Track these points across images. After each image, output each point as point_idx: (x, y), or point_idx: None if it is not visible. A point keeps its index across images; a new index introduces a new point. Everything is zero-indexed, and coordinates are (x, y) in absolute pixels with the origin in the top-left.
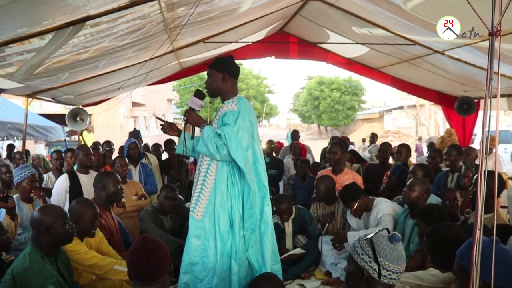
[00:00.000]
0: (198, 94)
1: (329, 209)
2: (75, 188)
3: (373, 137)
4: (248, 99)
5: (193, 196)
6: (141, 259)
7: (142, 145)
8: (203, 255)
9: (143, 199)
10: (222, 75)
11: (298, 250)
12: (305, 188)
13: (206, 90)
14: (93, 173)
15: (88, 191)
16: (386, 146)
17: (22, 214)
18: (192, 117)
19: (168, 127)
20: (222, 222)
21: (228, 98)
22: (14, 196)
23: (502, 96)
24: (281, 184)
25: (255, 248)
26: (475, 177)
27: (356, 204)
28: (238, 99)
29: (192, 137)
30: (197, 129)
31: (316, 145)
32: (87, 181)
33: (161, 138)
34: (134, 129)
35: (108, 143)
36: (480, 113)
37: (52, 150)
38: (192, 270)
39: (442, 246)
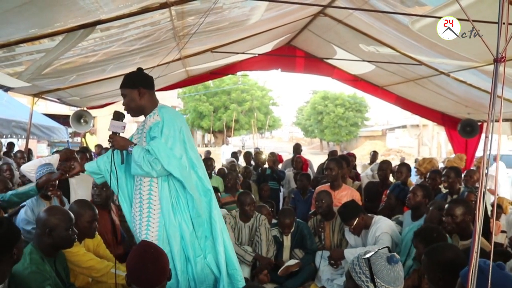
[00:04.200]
0: (117, 116)
1: (326, 225)
2: (62, 188)
3: (374, 155)
4: (252, 110)
5: (142, 222)
6: (147, 265)
7: None
8: None
9: None
10: (137, 91)
11: (293, 261)
12: (305, 202)
13: (126, 112)
14: (83, 175)
15: (77, 192)
16: (385, 164)
17: (40, 210)
18: (117, 142)
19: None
20: (175, 242)
21: (149, 112)
22: None
23: (506, 120)
24: (281, 196)
25: (212, 254)
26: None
27: (355, 222)
28: (159, 108)
29: (122, 161)
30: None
31: (317, 160)
32: (75, 182)
33: None
34: None
35: None
36: (483, 136)
37: (54, 150)
38: None
39: (441, 265)
